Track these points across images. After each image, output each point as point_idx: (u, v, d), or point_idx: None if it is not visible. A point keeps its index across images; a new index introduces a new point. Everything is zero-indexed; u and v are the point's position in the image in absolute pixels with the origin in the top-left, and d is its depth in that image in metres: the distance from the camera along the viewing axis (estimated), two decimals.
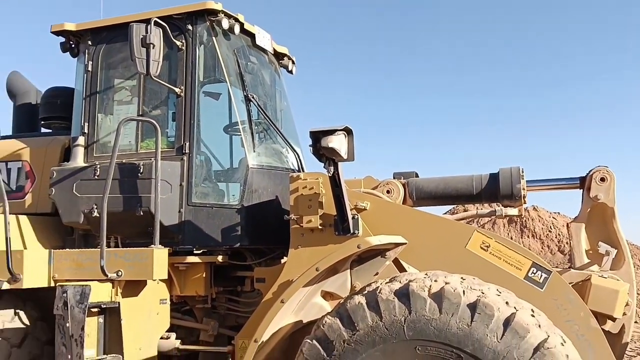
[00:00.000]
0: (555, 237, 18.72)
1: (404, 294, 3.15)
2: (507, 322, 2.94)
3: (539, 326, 2.99)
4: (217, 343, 4.66)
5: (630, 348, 11.63)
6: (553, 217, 17.34)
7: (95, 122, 4.68)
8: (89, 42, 4.79)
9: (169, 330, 4.49)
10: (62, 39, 4.91)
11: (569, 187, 4.42)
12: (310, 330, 3.58)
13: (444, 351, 3.00)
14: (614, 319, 3.84)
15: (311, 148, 3.50)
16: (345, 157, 3.46)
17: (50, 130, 5.42)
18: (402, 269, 4.20)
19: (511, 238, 16.93)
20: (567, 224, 4.53)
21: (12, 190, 4.87)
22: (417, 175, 4.81)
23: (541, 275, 3.67)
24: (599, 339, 3.57)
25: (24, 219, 4.60)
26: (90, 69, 4.73)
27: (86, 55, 4.78)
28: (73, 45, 4.91)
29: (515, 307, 3.05)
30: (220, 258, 4.49)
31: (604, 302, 3.77)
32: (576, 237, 4.18)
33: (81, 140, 4.65)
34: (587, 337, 3.56)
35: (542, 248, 16.89)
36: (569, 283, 3.82)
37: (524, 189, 4.35)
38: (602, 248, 4.07)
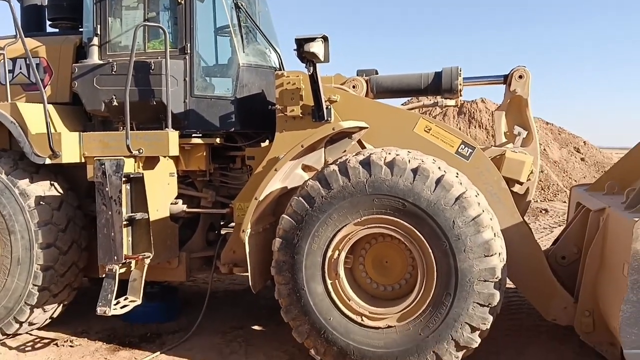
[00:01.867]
0: None
1: (366, 163, 4.28)
2: (439, 181, 4.12)
3: (460, 183, 4.19)
4: (214, 208, 5.76)
5: (554, 221, 13.48)
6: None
7: (107, 24, 5.42)
8: None
9: (177, 198, 5.52)
10: None
11: (495, 83, 5.50)
12: (292, 194, 4.72)
13: (393, 201, 4.19)
14: (520, 183, 5.12)
15: (295, 52, 4.47)
16: (322, 59, 4.44)
17: (58, 30, 6.14)
18: (364, 148, 5.32)
19: (459, 128, 18.28)
20: (492, 112, 5.73)
21: (33, 82, 5.61)
22: (377, 73, 5.83)
23: (467, 150, 4.82)
24: (506, 196, 4.77)
25: (50, 107, 5.42)
26: None
27: None
28: None
29: (444, 171, 4.23)
30: (217, 140, 5.47)
31: (514, 170, 4.99)
32: (497, 122, 5.37)
33: (95, 40, 5.41)
34: (499, 195, 4.74)
35: (487, 137, 18.31)
36: (490, 157, 5.02)
37: (460, 85, 5.43)
38: (516, 130, 5.29)
